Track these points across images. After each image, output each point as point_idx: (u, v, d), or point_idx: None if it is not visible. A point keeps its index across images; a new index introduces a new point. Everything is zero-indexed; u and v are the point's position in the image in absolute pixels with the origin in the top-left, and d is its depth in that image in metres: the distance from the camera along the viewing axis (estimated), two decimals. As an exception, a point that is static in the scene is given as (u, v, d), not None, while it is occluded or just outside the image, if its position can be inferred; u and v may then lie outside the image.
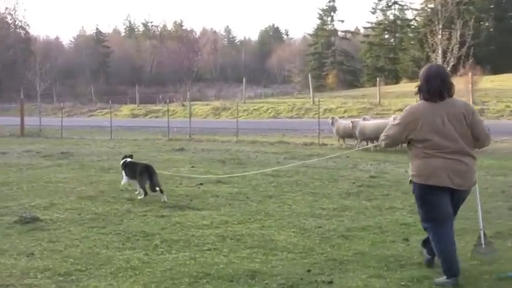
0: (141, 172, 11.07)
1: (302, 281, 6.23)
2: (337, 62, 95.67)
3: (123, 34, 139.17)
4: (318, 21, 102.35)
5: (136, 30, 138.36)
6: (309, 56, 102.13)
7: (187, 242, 7.80)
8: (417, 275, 6.38)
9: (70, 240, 7.91)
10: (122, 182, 11.73)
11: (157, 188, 10.72)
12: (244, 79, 58.59)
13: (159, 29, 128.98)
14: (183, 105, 51.05)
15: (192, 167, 15.63)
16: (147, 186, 10.88)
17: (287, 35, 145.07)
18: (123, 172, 11.69)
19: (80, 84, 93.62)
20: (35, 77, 46.43)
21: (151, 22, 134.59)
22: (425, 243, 6.66)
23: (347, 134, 22.75)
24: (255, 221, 9.02)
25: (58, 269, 6.62)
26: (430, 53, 33.48)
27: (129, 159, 11.98)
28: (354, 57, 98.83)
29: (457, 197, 6.22)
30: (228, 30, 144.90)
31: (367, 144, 20.71)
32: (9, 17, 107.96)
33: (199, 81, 71.61)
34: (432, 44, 33.47)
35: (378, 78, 46.74)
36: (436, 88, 6.11)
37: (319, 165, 15.70)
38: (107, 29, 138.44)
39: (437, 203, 6.14)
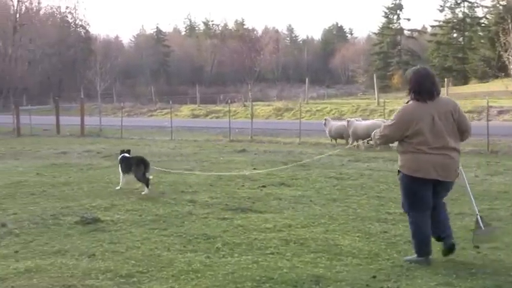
0: (137, 164, 12.12)
1: (368, 287, 6.19)
2: (402, 61, 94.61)
3: (183, 33, 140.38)
4: (384, 20, 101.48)
5: (196, 29, 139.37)
6: (373, 56, 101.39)
7: (249, 245, 7.83)
8: (490, 285, 6.26)
9: (131, 241, 8.02)
10: (121, 183, 12.50)
11: (150, 177, 11.96)
12: (307, 79, 58.53)
13: (220, 28, 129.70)
14: (245, 106, 51.28)
15: (254, 168, 15.66)
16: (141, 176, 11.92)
17: (351, 34, 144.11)
18: (119, 168, 12.57)
19: (140, 84, 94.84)
20: (95, 76, 47.48)
21: (212, 21, 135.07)
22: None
23: (339, 135, 24.68)
24: (319, 224, 8.99)
25: (119, 270, 6.72)
26: (502, 52, 32.89)
27: (126, 155, 12.84)
28: (421, 56, 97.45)
29: (440, 187, 6.99)
30: (290, 29, 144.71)
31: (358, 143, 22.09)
32: (69, 16, 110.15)
33: (261, 81, 71.89)
34: (504, 43, 32.87)
35: (445, 79, 46.12)
36: (428, 89, 6.91)
37: (385, 168, 15.59)
38: (167, 28, 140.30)
39: (421, 194, 6.96)
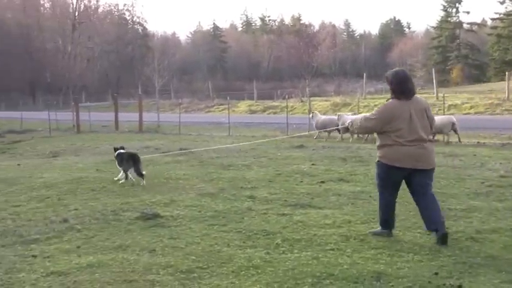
0: (127, 159, 13.21)
1: (430, 284, 6.12)
2: (462, 55, 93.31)
3: (240, 29, 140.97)
4: (442, 13, 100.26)
5: (253, 24, 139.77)
6: (432, 50, 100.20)
7: (309, 241, 7.81)
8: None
9: (191, 237, 8.08)
10: (119, 175, 13.46)
11: (143, 173, 12.85)
12: (364, 74, 58.13)
13: (277, 23, 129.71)
14: (302, 101, 51.16)
15: (313, 164, 15.61)
16: (132, 171, 13.04)
17: (409, 28, 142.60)
18: (117, 164, 13.62)
19: (197, 80, 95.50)
20: (153, 73, 47.85)
21: (268, 16, 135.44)
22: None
23: (325, 127, 25.61)
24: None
25: (180, 265, 6.78)
26: None
27: (121, 151, 13.73)
28: (480, 50, 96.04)
29: (419, 175, 7.91)
30: (347, 24, 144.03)
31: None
32: (127, 14, 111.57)
33: (318, 77, 71.58)
34: None
35: (506, 73, 45.21)
36: (407, 90, 7.91)
37: (445, 164, 15.36)
38: (223, 24, 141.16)
39: (394, 179, 8.03)
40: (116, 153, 13.78)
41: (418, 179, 7.95)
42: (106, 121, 40.48)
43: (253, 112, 51.70)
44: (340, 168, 14.74)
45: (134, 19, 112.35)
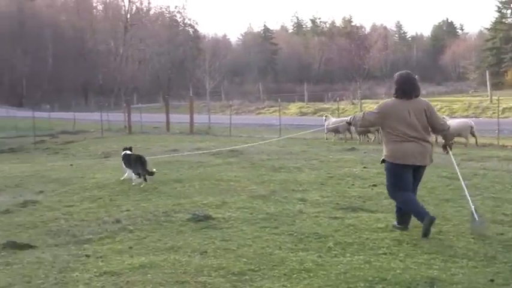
0: (135, 161, 13.65)
1: (485, 291, 6.02)
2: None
3: (290, 31, 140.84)
4: (496, 15, 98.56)
5: (304, 26, 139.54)
6: (485, 52, 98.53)
7: (361, 245, 7.74)
8: None
9: (243, 239, 8.08)
10: (125, 175, 14.09)
11: (154, 170, 13.47)
12: (416, 76, 57.56)
13: (328, 25, 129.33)
14: (353, 104, 50.96)
15: (364, 167, 15.49)
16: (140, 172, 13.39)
17: (462, 29, 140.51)
18: (123, 164, 14.21)
19: (248, 81, 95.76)
20: (204, 75, 48.14)
21: (319, 18, 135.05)
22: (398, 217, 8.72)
23: (336, 130, 26.66)
24: (432, 225, 8.80)
25: (232, 268, 6.78)
26: None
27: (128, 152, 14.35)
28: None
29: (418, 170, 8.60)
30: (399, 26, 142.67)
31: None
32: (178, 16, 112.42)
33: (369, 79, 71.14)
34: None
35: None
36: (408, 90, 8.50)
37: (500, 168, 15.12)
38: (274, 25, 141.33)
39: (404, 176, 8.46)
40: (123, 154, 14.41)
41: (416, 175, 8.62)
42: (157, 122, 40.84)
43: (303, 114, 51.65)
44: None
45: (185, 21, 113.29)
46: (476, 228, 8.35)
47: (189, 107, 38.65)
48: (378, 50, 76.23)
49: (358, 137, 25.90)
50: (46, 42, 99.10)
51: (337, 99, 45.14)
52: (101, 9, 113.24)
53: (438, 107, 44.83)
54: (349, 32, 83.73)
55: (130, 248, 7.84)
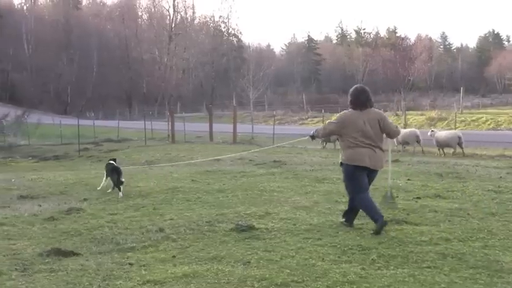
0: (112, 171, 14.76)
1: (534, 308, 5.92)
2: None
3: (334, 41, 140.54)
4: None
5: (348, 37, 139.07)
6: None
7: (405, 258, 7.65)
8: None
9: (286, 250, 8.06)
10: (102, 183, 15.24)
11: (122, 180, 14.32)
12: (462, 88, 57.05)
13: (372, 36, 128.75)
14: (397, 115, 50.69)
15: (408, 179, 15.38)
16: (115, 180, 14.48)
17: (508, 41, 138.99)
18: (105, 172, 15.27)
19: (291, 92, 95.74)
20: (247, 84, 48.27)
21: (363, 29, 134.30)
22: (345, 214, 9.79)
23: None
24: (477, 239, 8.66)
25: (275, 278, 6.75)
26: None
27: (111, 162, 15.45)
28: None
29: (371, 174, 9.44)
30: (444, 37, 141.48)
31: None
32: (222, 25, 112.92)
33: (413, 90, 70.73)
34: None
35: None
36: (362, 101, 9.49)
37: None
38: (318, 36, 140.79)
39: (360, 178, 9.32)
40: (107, 163, 15.63)
41: (369, 178, 9.47)
42: (200, 132, 41.03)
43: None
44: (436, 184, 14.45)
45: (229, 31, 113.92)
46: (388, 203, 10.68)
47: (233, 117, 38.76)
48: (422, 62, 75.76)
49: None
50: (91, 51, 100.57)
51: (381, 110, 44.91)
52: (146, 18, 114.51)
53: (483, 119, 44.37)
54: (394, 43, 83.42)
55: (174, 257, 7.87)
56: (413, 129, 29.54)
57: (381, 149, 9.44)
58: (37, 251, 8.36)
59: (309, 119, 57.47)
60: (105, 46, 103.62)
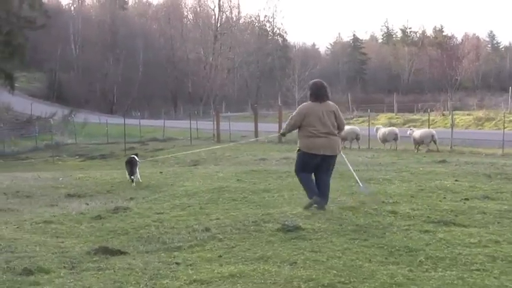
0: (126, 163, 17.32)
1: None
2: None
3: (380, 40, 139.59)
4: None
5: (394, 36, 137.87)
6: None
7: (453, 260, 7.56)
8: None
9: (332, 251, 8.04)
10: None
11: (134, 175, 16.68)
12: (510, 88, 56.19)
13: (418, 35, 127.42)
14: (443, 115, 50.15)
15: (456, 180, 15.18)
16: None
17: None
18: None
19: (336, 91, 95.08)
20: (293, 84, 48.21)
21: (409, 28, 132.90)
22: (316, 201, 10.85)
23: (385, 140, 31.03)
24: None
25: (321, 279, 6.73)
26: None
27: (132, 156, 17.81)
28: None
29: (328, 159, 10.83)
30: (491, 36, 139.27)
31: None
32: (267, 25, 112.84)
33: (460, 90, 69.91)
34: None
35: None
36: (321, 95, 10.88)
37: None
38: (363, 35, 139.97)
39: (311, 164, 10.85)
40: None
41: (325, 162, 10.85)
42: (245, 131, 41.07)
43: (393, 125, 50.91)
44: (485, 185, 14.24)
45: (274, 30, 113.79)
46: (364, 191, 12.31)
47: (278, 116, 38.76)
48: (470, 61, 74.84)
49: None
50: (137, 51, 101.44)
51: (427, 110, 44.42)
52: (191, 17, 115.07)
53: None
54: (441, 42, 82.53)
55: (220, 256, 7.91)
56: (429, 129, 31.55)
57: (336, 135, 10.92)
58: (85, 249, 8.48)
59: (354, 119, 57.10)
60: (151, 46, 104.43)
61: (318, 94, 10.89)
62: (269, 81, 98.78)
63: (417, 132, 29.39)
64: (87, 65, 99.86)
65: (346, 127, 29.54)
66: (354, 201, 11.86)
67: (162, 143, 40.67)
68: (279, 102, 57.10)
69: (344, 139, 29.29)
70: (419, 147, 28.66)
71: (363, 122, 49.41)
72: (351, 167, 12.80)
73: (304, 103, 11.16)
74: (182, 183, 15.73)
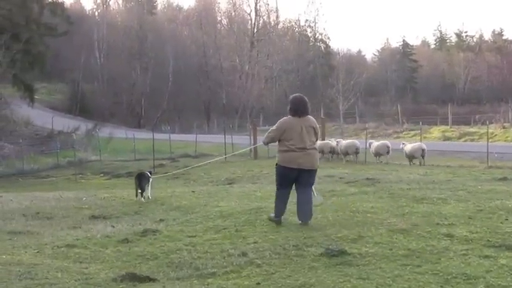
0: (135, 177, 18.56)
1: None
2: None
3: (432, 46, 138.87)
4: None
5: (447, 41, 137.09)
6: None
7: (517, 288, 7.50)
8: None
9: (382, 278, 7.97)
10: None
11: (144, 186, 18.04)
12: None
13: (475, 40, 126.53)
14: (504, 128, 49.66)
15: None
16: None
17: None
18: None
19: (385, 102, 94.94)
20: (337, 94, 48.07)
21: (465, 32, 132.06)
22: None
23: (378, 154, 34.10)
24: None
25: (370, 309, 6.72)
26: None
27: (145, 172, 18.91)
28: None
29: (307, 173, 11.75)
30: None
31: None
32: (308, 30, 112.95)
33: (521, 100, 69.22)
34: None
35: None
36: (300, 109, 11.83)
37: None
38: (414, 40, 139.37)
39: (288, 178, 11.86)
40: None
41: (303, 177, 11.77)
42: (285, 146, 41.05)
43: (447, 139, 50.80)
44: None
45: (316, 36, 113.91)
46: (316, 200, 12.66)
47: (321, 130, 38.71)
48: (534, 67, 74.13)
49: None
50: (167, 59, 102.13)
51: (486, 122, 44.03)
52: (226, 23, 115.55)
53: None
54: (500, 47, 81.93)
55: (258, 284, 7.90)
56: (420, 143, 33.82)
57: (314, 149, 11.90)
58: (110, 276, 8.51)
59: (404, 132, 56.91)
60: (182, 53, 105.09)
61: (297, 109, 11.87)
62: (310, 92, 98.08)
63: (408, 147, 32.45)
64: (112, 74, 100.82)
65: (413, 144, 33.33)
66: (406, 223, 11.76)
67: (195, 159, 40.87)
68: (322, 115, 57.06)
69: (411, 157, 31.83)
70: (413, 162, 31.52)
71: (414, 135, 49.10)
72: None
73: (285, 117, 12.08)
74: (216, 204, 15.77)
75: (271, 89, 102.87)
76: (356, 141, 35.52)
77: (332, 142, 36.63)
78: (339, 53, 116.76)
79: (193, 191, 19.93)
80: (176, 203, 16.62)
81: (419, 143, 33.77)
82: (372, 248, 9.64)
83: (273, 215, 12.20)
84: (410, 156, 31.58)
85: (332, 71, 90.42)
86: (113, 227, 13.16)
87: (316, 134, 11.95)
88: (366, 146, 34.42)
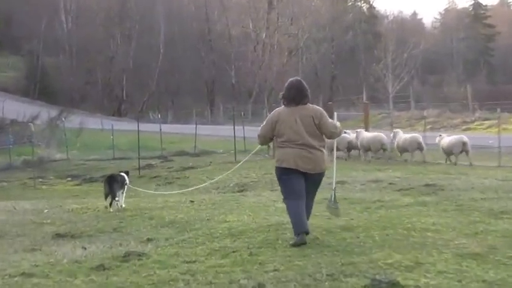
0: (104, 181, 19.33)
1: None
2: None
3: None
4: None
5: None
6: None
7: None
8: None
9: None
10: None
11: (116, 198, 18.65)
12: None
13: None
14: None
15: None
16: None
17: None
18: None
19: (450, 83, 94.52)
20: (385, 72, 47.83)
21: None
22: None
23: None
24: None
25: None
26: None
27: (121, 173, 19.60)
28: None
29: (310, 179, 11.89)
30: None
31: None
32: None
33: None
34: None
35: None
36: (292, 97, 11.98)
37: None
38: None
39: (289, 182, 11.88)
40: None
41: (307, 183, 11.90)
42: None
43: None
44: None
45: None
46: (330, 207, 13.61)
47: (363, 118, 38.69)
48: None
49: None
50: (157, 24, 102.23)
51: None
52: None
53: None
54: None
55: (280, 329, 7.88)
56: (460, 136, 34.29)
57: (317, 149, 11.88)
58: (81, 317, 8.50)
59: (476, 122, 56.71)
60: (177, 16, 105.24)
61: (290, 97, 12.04)
62: (349, 68, 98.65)
63: (445, 140, 32.93)
64: (83, 45, 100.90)
65: (451, 137, 33.33)
66: (480, 245, 11.70)
67: (194, 158, 40.94)
68: (364, 99, 56.98)
69: (449, 153, 32.72)
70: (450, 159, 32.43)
71: (489, 127, 48.96)
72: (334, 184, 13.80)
73: (277, 108, 12.44)
74: (223, 218, 15.74)
75: (296, 65, 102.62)
76: (382, 135, 35.40)
77: (349, 135, 35.98)
78: (387, 17, 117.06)
79: (192, 201, 19.94)
80: (169, 216, 16.61)
81: (459, 135, 34.32)
82: (434, 278, 9.58)
83: (294, 241, 11.91)
84: (448, 152, 32.40)
85: (378, 41, 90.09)
86: (84, 249, 13.16)
87: (320, 126, 11.87)
88: (423, 141, 34.21)
